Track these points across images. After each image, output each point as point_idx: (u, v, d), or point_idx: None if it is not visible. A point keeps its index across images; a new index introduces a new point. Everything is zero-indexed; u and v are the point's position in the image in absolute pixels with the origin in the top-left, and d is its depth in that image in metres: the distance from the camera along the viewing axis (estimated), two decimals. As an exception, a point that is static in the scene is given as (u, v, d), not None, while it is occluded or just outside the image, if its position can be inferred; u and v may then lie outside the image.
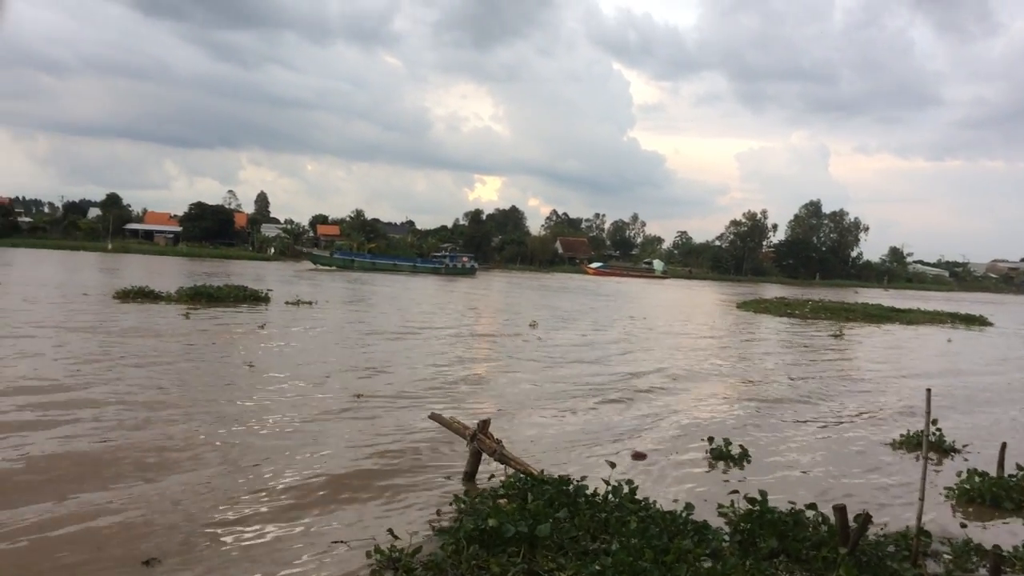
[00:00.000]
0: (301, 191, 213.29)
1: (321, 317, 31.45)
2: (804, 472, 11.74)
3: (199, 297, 33.43)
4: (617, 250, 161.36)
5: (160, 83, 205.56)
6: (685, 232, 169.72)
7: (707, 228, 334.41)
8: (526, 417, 14.55)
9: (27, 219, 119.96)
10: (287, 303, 35.85)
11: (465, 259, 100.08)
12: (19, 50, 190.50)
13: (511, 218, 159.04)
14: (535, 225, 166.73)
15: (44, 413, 12.47)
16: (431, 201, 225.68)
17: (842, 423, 15.71)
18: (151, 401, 13.80)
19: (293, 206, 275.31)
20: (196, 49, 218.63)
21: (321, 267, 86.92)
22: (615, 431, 13.80)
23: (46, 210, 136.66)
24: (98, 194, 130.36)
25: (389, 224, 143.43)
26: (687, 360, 24.42)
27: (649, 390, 18.35)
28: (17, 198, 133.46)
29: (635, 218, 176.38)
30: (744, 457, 12.10)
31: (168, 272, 57.82)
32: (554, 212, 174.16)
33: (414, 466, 10.85)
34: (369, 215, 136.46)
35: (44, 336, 21.19)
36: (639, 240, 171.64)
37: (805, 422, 15.55)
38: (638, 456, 11.99)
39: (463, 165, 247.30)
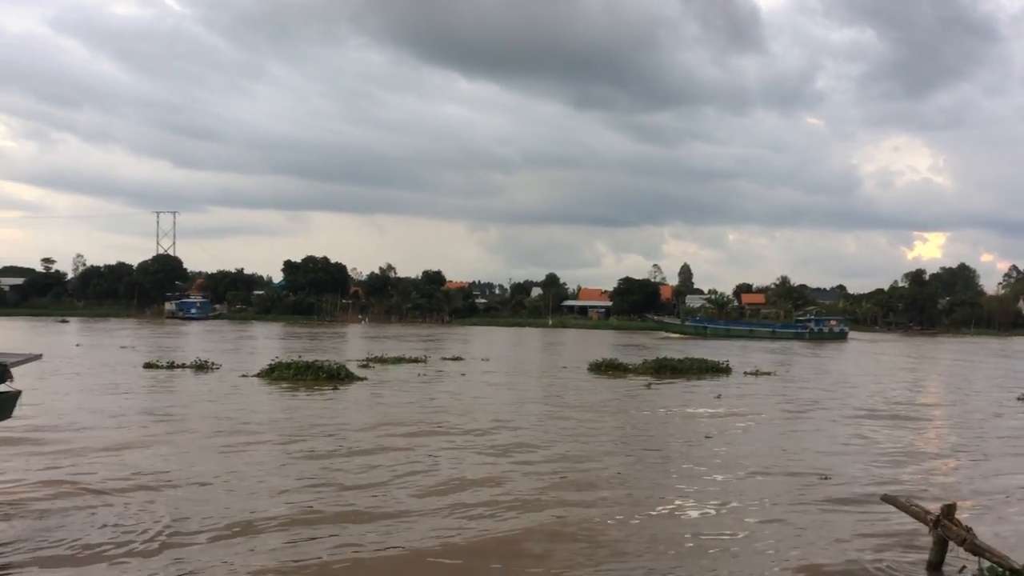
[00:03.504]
0: (723, 261, 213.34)
1: (773, 388, 30.27)
2: None
3: (663, 369, 34.19)
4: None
5: (589, 169, 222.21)
6: None
7: None
8: (1004, 503, 12.52)
9: (482, 300, 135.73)
10: (746, 373, 35.13)
11: (833, 322, 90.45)
12: (476, 154, 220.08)
13: (959, 277, 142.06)
14: (990, 284, 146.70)
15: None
16: (863, 263, 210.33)
17: None
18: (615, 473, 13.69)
19: (716, 276, 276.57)
20: (621, 134, 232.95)
21: (673, 335, 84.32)
22: None
23: (497, 292, 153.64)
24: (539, 275, 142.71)
25: (817, 290, 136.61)
26: None
27: None
28: (474, 282, 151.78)
29: None
30: None
31: (605, 344, 60.60)
32: (1014, 268, 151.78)
33: (873, 547, 10.02)
34: (795, 281, 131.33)
35: (560, 409, 22.70)
36: None
37: None
38: None
39: (898, 223, 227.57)
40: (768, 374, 35.55)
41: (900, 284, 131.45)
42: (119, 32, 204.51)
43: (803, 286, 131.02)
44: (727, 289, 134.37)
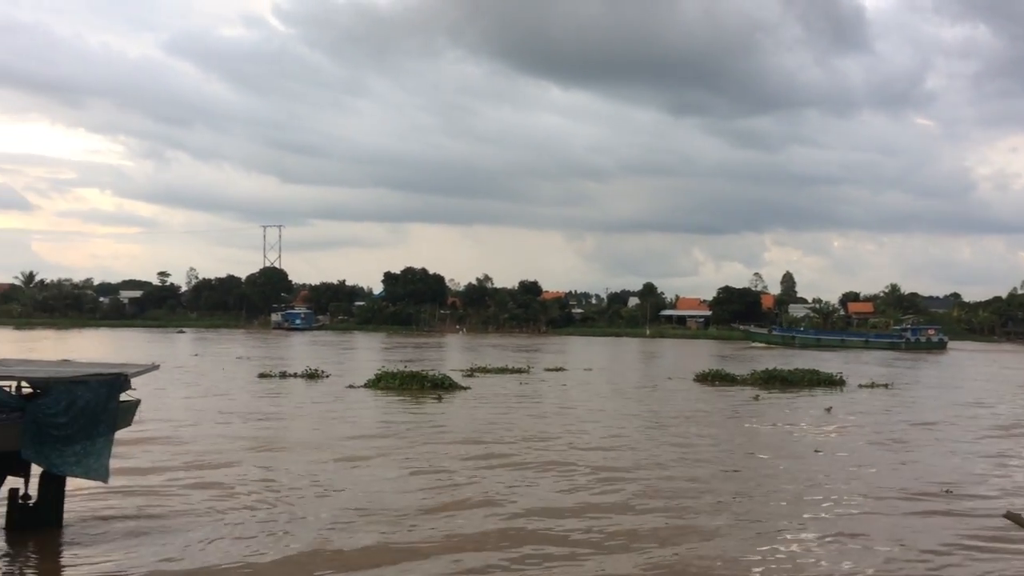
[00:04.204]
0: (828, 268, 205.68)
1: (888, 401, 29.17)
2: None
3: (772, 380, 33.49)
4: None
5: (687, 176, 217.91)
6: None
7: None
8: None
9: (579, 310, 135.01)
10: (860, 386, 33.90)
11: (931, 331, 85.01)
12: (572, 164, 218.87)
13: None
14: None
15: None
16: (979, 270, 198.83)
17: None
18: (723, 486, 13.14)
19: (820, 284, 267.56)
20: (719, 140, 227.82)
21: (758, 344, 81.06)
22: None
23: (593, 301, 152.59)
24: (636, 284, 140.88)
25: (930, 298, 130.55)
26: None
27: None
28: (571, 292, 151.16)
29: None
30: None
31: (703, 355, 59.27)
32: None
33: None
34: (906, 289, 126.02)
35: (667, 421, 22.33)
36: None
37: None
38: None
39: (1017, 227, 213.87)
40: (884, 386, 34.14)
41: (1020, 291, 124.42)
42: (228, 54, 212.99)
43: (914, 294, 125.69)
44: (832, 298, 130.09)
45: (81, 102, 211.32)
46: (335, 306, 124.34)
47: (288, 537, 10.41)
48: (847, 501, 13.06)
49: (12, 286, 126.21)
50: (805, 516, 12.14)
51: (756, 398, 28.40)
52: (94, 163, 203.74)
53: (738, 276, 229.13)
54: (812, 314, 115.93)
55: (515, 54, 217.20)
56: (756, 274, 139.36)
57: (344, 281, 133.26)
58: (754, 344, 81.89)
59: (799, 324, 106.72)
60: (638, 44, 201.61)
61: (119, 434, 10.60)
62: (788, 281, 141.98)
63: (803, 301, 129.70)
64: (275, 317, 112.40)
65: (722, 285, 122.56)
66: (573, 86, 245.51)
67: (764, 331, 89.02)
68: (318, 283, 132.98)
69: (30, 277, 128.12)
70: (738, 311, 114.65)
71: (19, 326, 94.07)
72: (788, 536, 11.07)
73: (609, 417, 22.94)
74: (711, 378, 34.31)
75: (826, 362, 46.10)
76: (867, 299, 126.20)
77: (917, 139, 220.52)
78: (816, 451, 17.73)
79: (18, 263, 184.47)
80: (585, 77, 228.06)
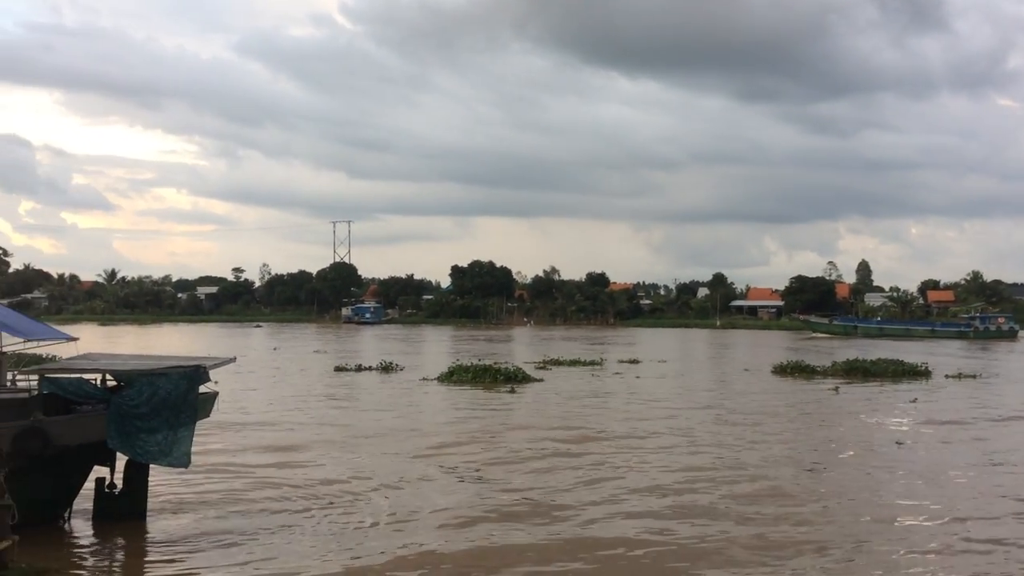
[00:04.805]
0: (905, 256, 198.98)
1: (977, 393, 27.98)
2: None
3: (855, 372, 32.60)
4: None
5: (757, 164, 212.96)
6: None
7: None
8: None
9: (647, 301, 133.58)
10: (947, 376, 32.58)
11: (1001, 320, 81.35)
12: (637, 155, 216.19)
13: None
14: None
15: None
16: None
17: None
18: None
19: (898, 272, 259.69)
20: (790, 126, 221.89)
21: (818, 334, 78.82)
22: None
23: (662, 292, 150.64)
24: (705, 275, 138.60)
25: (1014, 285, 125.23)
26: None
27: None
28: (639, 283, 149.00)
29: None
30: None
31: (774, 347, 57.83)
32: None
33: None
34: (989, 276, 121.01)
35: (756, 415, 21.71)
36: None
37: None
38: None
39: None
40: (972, 377, 32.75)
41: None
42: (297, 53, 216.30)
43: (997, 281, 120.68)
44: (911, 286, 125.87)
45: (158, 104, 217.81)
46: (404, 300, 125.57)
47: (374, 532, 10.31)
48: (943, 504, 12.37)
49: (96, 283, 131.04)
50: (906, 519, 11.60)
51: (836, 390, 27.58)
52: (170, 163, 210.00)
53: (811, 265, 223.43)
54: (889, 303, 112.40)
55: (581, 45, 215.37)
56: (830, 263, 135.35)
57: (412, 275, 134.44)
58: (814, 334, 79.96)
59: (875, 313, 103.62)
60: (706, 30, 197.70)
61: (200, 426, 10.64)
62: (864, 270, 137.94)
63: (880, 290, 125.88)
64: (345, 311, 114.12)
65: (795, 275, 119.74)
66: (640, 75, 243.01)
67: (824, 321, 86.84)
68: (387, 277, 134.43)
69: (112, 275, 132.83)
70: (812, 301, 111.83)
71: (103, 322, 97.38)
72: (890, 543, 10.47)
73: (689, 411, 22.45)
74: (790, 370, 33.38)
75: (904, 352, 44.59)
76: (947, 287, 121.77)
77: (1000, 121, 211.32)
78: (898, 443, 17.21)
79: (101, 261, 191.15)
80: (652, 66, 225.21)
